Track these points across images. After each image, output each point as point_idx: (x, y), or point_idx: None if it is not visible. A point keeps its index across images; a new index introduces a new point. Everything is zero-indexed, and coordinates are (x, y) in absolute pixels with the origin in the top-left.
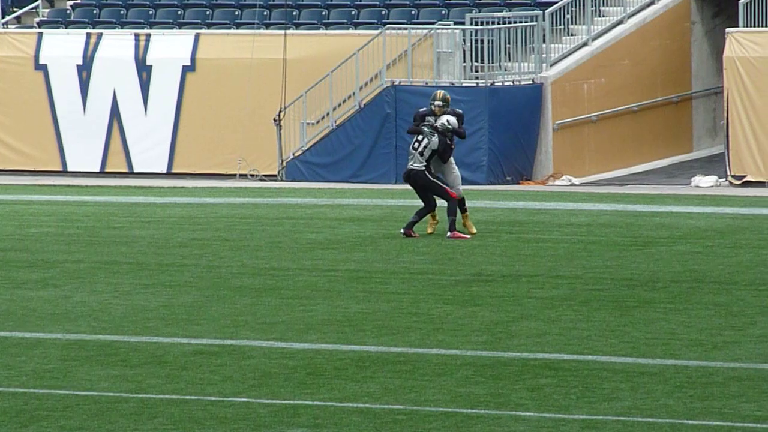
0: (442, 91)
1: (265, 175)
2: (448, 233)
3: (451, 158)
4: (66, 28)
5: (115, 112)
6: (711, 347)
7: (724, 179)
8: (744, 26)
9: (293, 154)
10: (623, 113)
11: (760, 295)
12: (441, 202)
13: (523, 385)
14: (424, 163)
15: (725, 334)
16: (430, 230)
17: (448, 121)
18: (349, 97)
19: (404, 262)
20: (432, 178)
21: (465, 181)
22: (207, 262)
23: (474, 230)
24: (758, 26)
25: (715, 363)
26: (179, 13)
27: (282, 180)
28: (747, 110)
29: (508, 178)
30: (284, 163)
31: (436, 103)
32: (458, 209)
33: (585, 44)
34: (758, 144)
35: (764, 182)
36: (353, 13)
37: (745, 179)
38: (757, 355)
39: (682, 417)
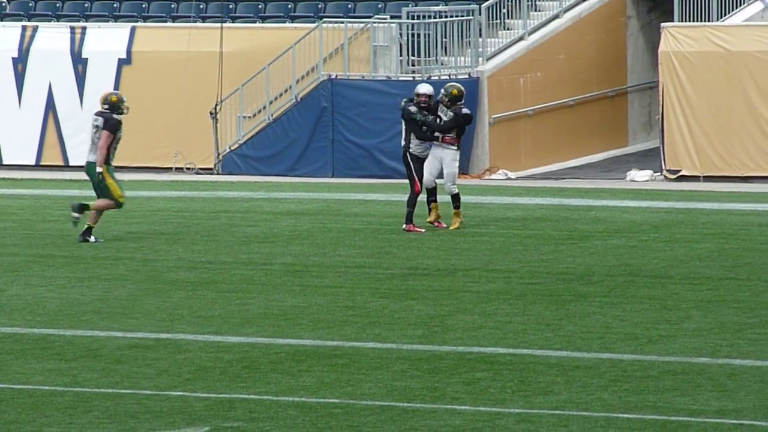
0: (454, 85)
1: (201, 169)
2: (404, 225)
3: (454, 153)
4: (1, 20)
5: (50, 105)
6: (646, 341)
7: (659, 173)
8: (679, 21)
9: (230, 148)
10: (559, 107)
11: (694, 289)
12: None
13: (459, 378)
14: (402, 143)
15: (660, 328)
16: (456, 224)
17: (414, 110)
18: (286, 90)
19: (340, 256)
20: (408, 160)
21: (401, 175)
22: (142, 256)
23: (431, 221)
24: (693, 21)
25: (649, 357)
26: (115, 6)
27: (218, 173)
28: (682, 105)
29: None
30: (221, 157)
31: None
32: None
33: (521, 38)
34: (693, 138)
35: (699, 176)
36: (290, 6)
37: (680, 173)
38: (692, 349)
39: (617, 410)
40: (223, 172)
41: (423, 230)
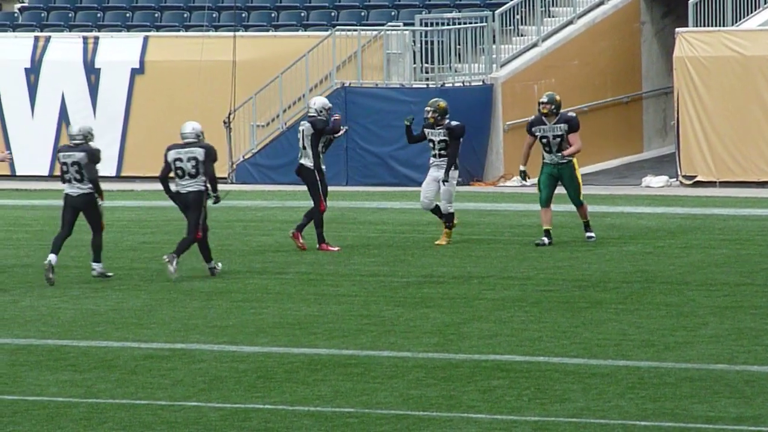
0: (436, 100)
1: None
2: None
3: (453, 171)
4: (14, 31)
5: (63, 115)
6: (662, 348)
7: (674, 179)
8: (694, 26)
9: (243, 157)
10: None
11: (711, 296)
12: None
13: (475, 386)
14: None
15: (677, 335)
16: (443, 241)
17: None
18: (299, 99)
19: (355, 264)
20: (316, 178)
21: (414, 182)
22: (156, 266)
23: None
24: (708, 26)
25: (666, 364)
26: (127, 15)
27: (232, 182)
28: (697, 110)
29: (459, 180)
30: (234, 166)
31: (427, 109)
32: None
33: (535, 45)
34: (708, 144)
35: (714, 182)
36: (303, 14)
37: (696, 179)
38: (709, 356)
39: (634, 418)
40: (236, 181)
41: (336, 249)
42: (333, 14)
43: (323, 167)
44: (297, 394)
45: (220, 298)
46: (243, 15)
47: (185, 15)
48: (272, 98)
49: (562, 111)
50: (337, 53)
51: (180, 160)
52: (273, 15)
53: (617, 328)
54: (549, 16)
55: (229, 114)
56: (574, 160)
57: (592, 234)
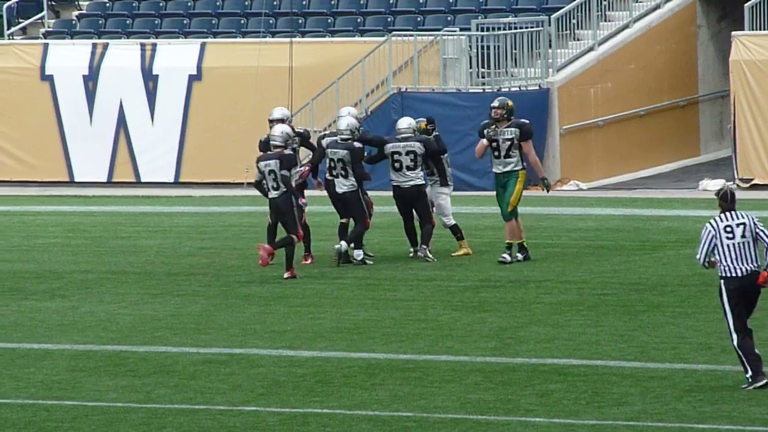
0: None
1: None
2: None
3: (438, 186)
4: (72, 38)
5: (121, 122)
6: (720, 351)
7: (731, 182)
8: (749, 29)
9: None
10: (630, 117)
11: None
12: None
13: (533, 390)
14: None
15: None
16: (462, 252)
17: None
18: (356, 104)
19: (412, 269)
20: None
21: (472, 188)
22: (215, 271)
23: (461, 252)
24: (764, 29)
25: (724, 367)
26: (185, 22)
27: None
28: (754, 113)
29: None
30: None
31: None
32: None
33: (591, 49)
34: (765, 147)
35: None
36: (359, 20)
37: (753, 182)
38: (767, 359)
39: (691, 421)
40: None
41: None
42: (389, 19)
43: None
44: (355, 399)
45: (279, 303)
46: (300, 21)
47: (242, 21)
48: (329, 103)
49: (517, 118)
50: (394, 58)
51: (333, 158)
52: (329, 21)
53: (675, 332)
54: (605, 20)
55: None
56: (521, 172)
57: (507, 257)
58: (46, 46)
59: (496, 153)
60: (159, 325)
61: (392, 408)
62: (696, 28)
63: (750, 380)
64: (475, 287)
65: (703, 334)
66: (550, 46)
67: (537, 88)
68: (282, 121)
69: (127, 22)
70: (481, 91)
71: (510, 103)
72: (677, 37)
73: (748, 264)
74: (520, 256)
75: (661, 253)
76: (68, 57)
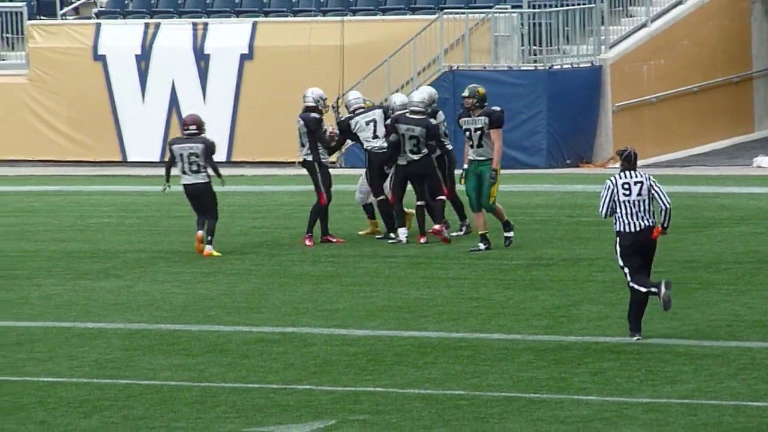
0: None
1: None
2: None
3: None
4: (124, 18)
5: (173, 102)
6: None
7: None
8: None
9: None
10: (683, 94)
11: None
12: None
13: (585, 368)
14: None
15: None
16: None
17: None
18: (407, 82)
19: (464, 248)
20: (316, 170)
21: (524, 165)
22: (267, 250)
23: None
24: None
25: None
26: (236, 1)
27: (341, 167)
28: None
29: (568, 162)
30: (343, 150)
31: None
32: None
33: (644, 25)
34: None
35: None
36: None
37: None
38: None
39: (746, 399)
40: (345, 166)
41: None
42: None
43: (323, 159)
44: (407, 377)
45: (330, 282)
46: None
47: (293, 0)
48: (380, 82)
49: (490, 105)
50: (445, 36)
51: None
52: None
53: (729, 309)
54: None
55: (338, 98)
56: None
57: (481, 246)
58: (98, 26)
59: (470, 142)
60: (212, 304)
61: (444, 386)
62: (750, 3)
63: (659, 293)
64: (527, 265)
65: (758, 312)
66: (603, 22)
67: (589, 65)
68: (314, 106)
69: (179, 1)
70: (533, 68)
71: (481, 90)
72: (731, 13)
73: (642, 220)
74: (483, 245)
75: (714, 231)
76: (120, 37)
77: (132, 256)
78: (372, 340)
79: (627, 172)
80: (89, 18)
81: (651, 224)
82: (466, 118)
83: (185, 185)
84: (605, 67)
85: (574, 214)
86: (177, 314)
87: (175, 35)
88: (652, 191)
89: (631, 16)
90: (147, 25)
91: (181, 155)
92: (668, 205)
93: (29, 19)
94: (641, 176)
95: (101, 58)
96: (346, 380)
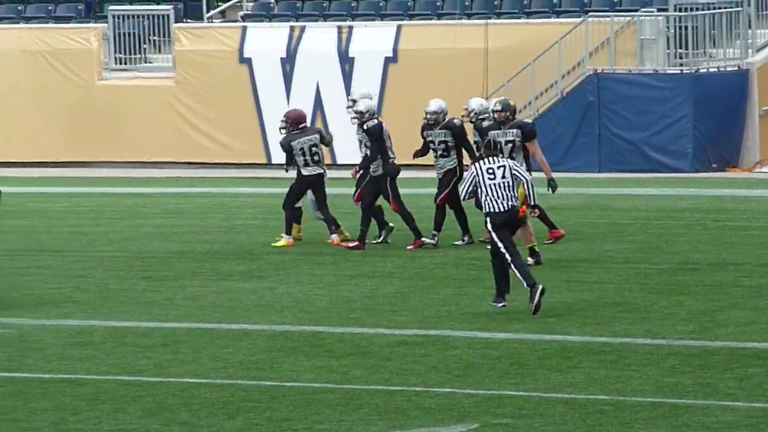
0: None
1: (467, 165)
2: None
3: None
4: (270, 21)
5: (318, 105)
6: None
7: None
8: None
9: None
10: None
11: None
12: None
13: (732, 374)
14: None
15: None
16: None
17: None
18: (552, 85)
19: (608, 251)
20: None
21: (669, 169)
22: (410, 253)
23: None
24: None
25: None
26: (381, 4)
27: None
28: None
29: (714, 166)
30: None
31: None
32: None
33: None
34: None
35: None
36: (555, 1)
37: None
38: None
39: None
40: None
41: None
42: (585, 0)
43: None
44: (550, 381)
45: (473, 284)
46: (495, 2)
47: (438, 3)
48: (524, 85)
49: (521, 118)
50: (590, 39)
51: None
52: (525, 2)
53: None
54: None
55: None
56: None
57: (530, 260)
58: (244, 29)
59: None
60: (354, 307)
61: (588, 391)
62: None
63: (529, 290)
64: (671, 270)
65: None
66: (750, 26)
67: (736, 69)
68: (436, 113)
69: (324, 4)
70: (679, 72)
71: (512, 102)
72: None
73: (507, 201)
74: (530, 260)
75: None
76: (266, 40)
77: (275, 257)
78: (515, 344)
79: (490, 158)
80: (235, 21)
81: (516, 204)
82: (496, 131)
83: (306, 176)
84: (752, 71)
85: (720, 219)
86: (320, 316)
87: (319, 38)
88: (514, 173)
89: None
90: (292, 29)
91: (302, 149)
92: (528, 178)
93: (176, 22)
94: (503, 161)
95: (247, 61)
96: (489, 383)
